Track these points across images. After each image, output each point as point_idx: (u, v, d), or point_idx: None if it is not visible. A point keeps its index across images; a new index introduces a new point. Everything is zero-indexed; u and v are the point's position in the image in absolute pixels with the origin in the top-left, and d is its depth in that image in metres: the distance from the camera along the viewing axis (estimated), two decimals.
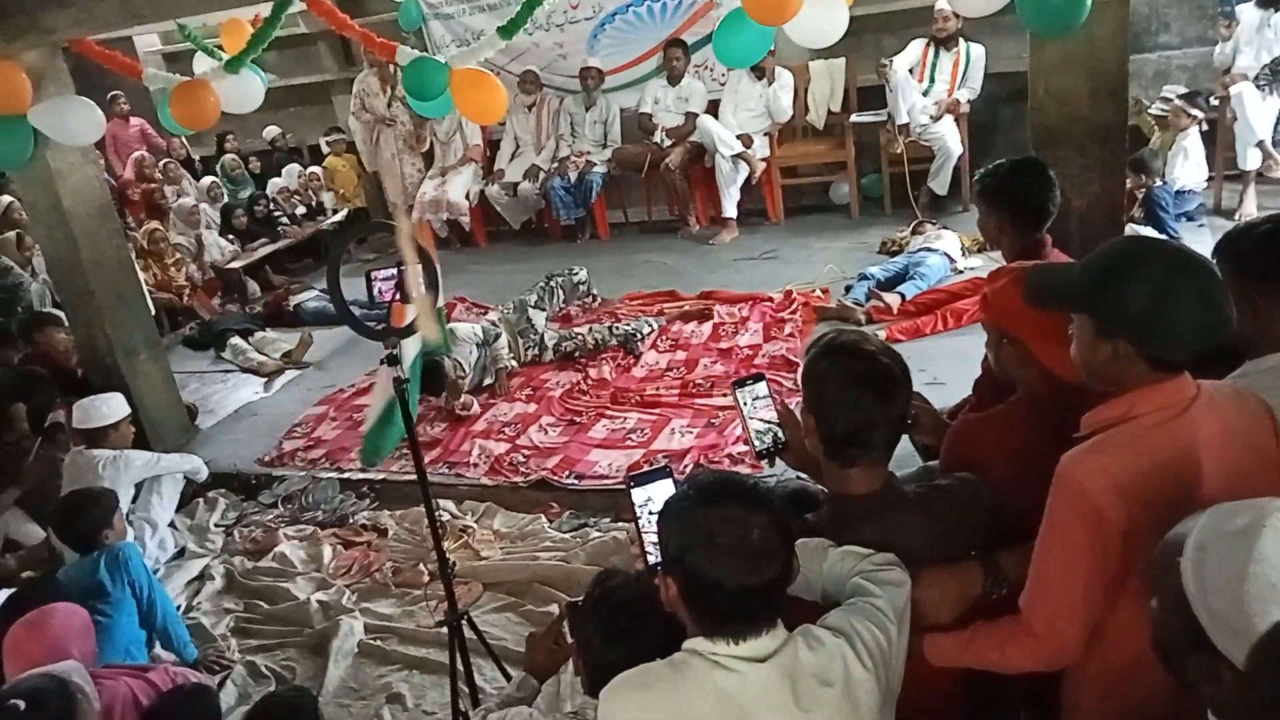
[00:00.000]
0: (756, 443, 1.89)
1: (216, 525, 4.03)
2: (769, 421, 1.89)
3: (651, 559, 1.71)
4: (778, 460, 1.92)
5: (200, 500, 4.18)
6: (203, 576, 3.71)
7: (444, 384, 4.34)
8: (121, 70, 4.29)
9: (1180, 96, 5.47)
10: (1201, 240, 4.94)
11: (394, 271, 2.37)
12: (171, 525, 3.93)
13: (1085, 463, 1.41)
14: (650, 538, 1.72)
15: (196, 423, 4.88)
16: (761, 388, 1.91)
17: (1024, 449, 1.68)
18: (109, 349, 4.34)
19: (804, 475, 1.93)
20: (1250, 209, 5.22)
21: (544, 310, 5.10)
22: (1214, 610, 1.04)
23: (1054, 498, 1.44)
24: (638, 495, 1.74)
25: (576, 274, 5.46)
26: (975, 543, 1.66)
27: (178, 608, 3.33)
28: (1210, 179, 5.44)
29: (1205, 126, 5.33)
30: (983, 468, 1.73)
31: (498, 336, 4.70)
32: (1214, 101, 5.43)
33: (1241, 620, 1.01)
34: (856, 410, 1.58)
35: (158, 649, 3.13)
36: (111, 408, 3.88)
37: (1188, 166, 5.21)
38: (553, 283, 5.29)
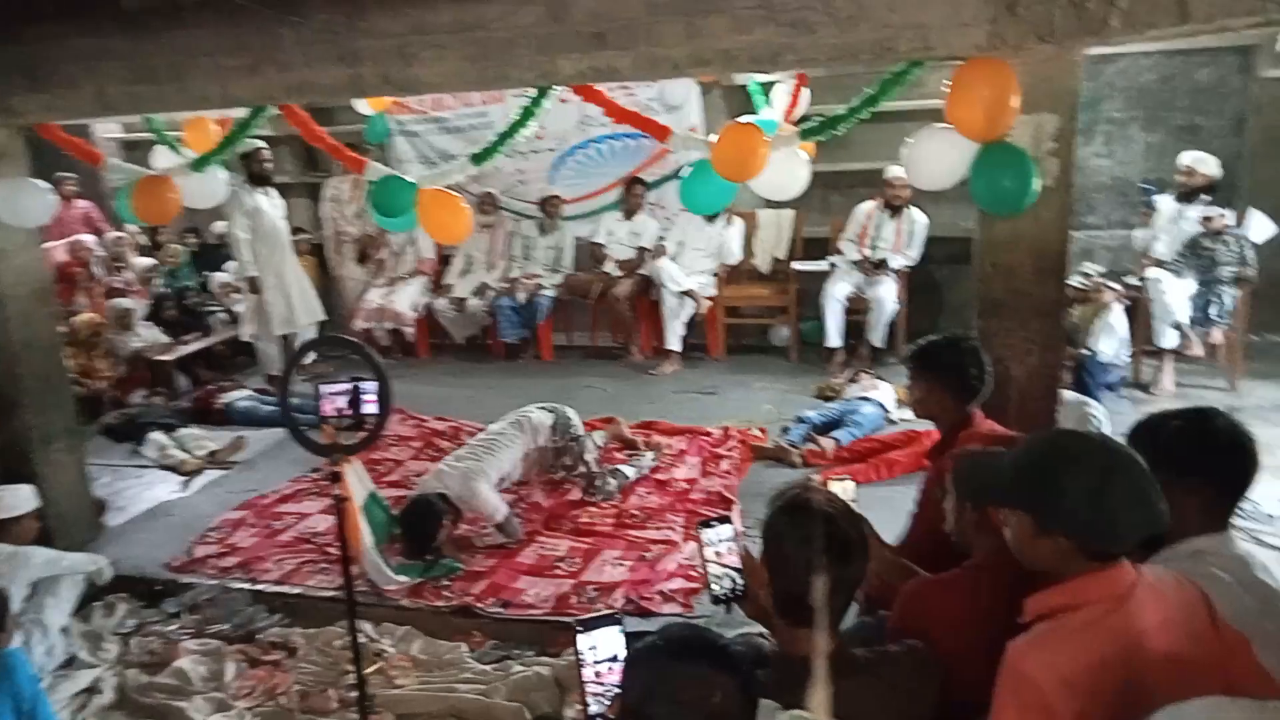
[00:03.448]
0: (715, 586, 1.87)
1: (113, 633, 3.74)
2: (729, 567, 1.87)
3: (593, 709, 1.66)
4: (733, 607, 1.90)
5: (98, 604, 3.90)
6: (91, 689, 3.43)
7: (434, 531, 3.96)
8: (83, 158, 4.27)
9: (1099, 275, 5.82)
10: (1121, 410, 5.16)
11: (348, 388, 2.33)
12: (64, 630, 3.67)
13: (1032, 657, 1.42)
14: (593, 687, 1.67)
15: (104, 518, 4.62)
16: (727, 530, 1.90)
17: (977, 618, 1.69)
18: (26, 434, 4.13)
19: (758, 626, 1.91)
20: (1168, 385, 5.53)
21: None
22: None
23: (1002, 689, 1.44)
24: (583, 642, 1.69)
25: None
26: (924, 714, 1.65)
27: None
28: (1132, 354, 5.72)
29: (1128, 303, 5.64)
30: (933, 633, 1.73)
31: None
32: (1133, 281, 5.76)
33: None
34: (810, 570, 1.59)
35: None
36: (18, 499, 3.66)
37: (1111, 341, 5.49)
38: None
